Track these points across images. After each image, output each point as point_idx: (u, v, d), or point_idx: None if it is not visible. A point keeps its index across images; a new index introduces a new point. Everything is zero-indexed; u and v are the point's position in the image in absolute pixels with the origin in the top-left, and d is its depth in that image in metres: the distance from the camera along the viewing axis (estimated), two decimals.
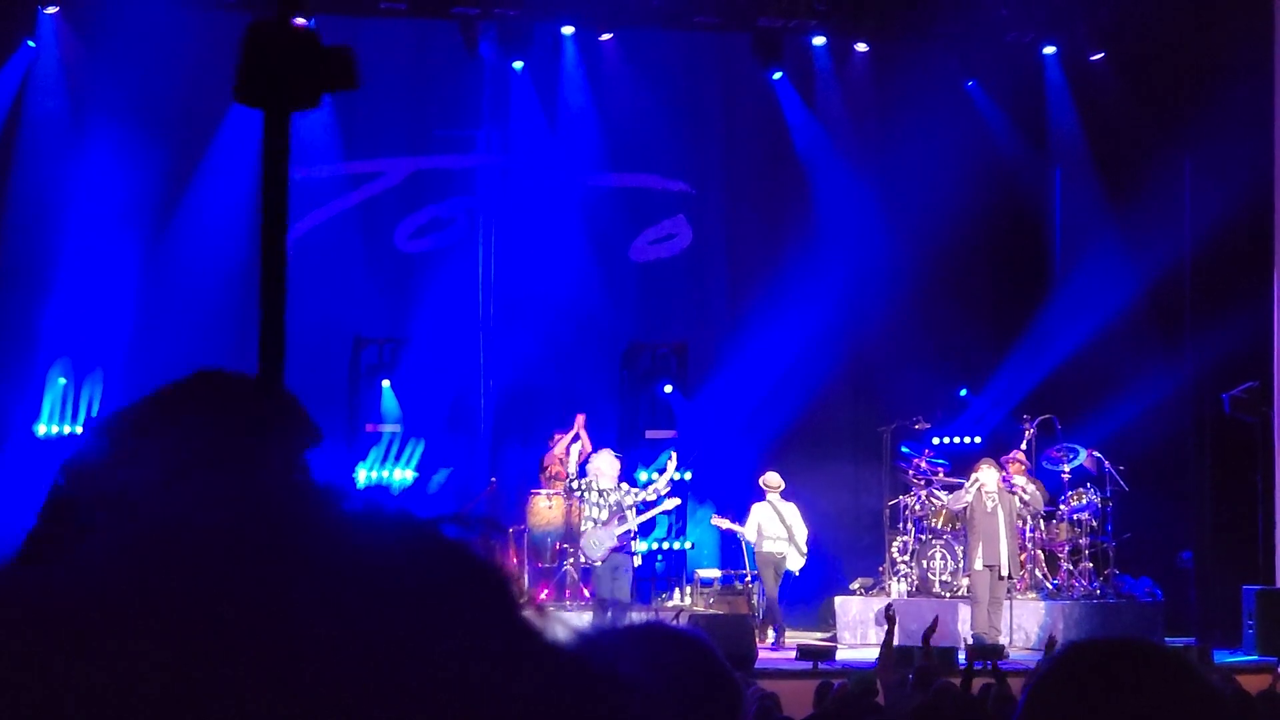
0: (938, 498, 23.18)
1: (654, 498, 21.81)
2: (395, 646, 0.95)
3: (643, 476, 24.87)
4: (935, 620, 16.26)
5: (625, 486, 21.62)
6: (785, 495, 23.01)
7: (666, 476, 22.09)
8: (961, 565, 22.24)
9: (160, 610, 0.92)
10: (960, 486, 22.48)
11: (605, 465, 21.60)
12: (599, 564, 21.21)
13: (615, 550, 20.82)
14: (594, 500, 21.40)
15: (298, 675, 0.93)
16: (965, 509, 21.69)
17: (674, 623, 20.27)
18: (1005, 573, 21.17)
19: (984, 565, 21.18)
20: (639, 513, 21.48)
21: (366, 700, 0.93)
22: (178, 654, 0.91)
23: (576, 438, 23.74)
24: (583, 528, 21.13)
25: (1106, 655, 2.67)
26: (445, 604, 0.99)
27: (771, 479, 22.96)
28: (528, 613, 1.03)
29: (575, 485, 21.70)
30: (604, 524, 20.97)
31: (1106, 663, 2.64)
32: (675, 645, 2.85)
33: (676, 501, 22.74)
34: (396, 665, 0.95)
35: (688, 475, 24.90)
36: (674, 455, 22.87)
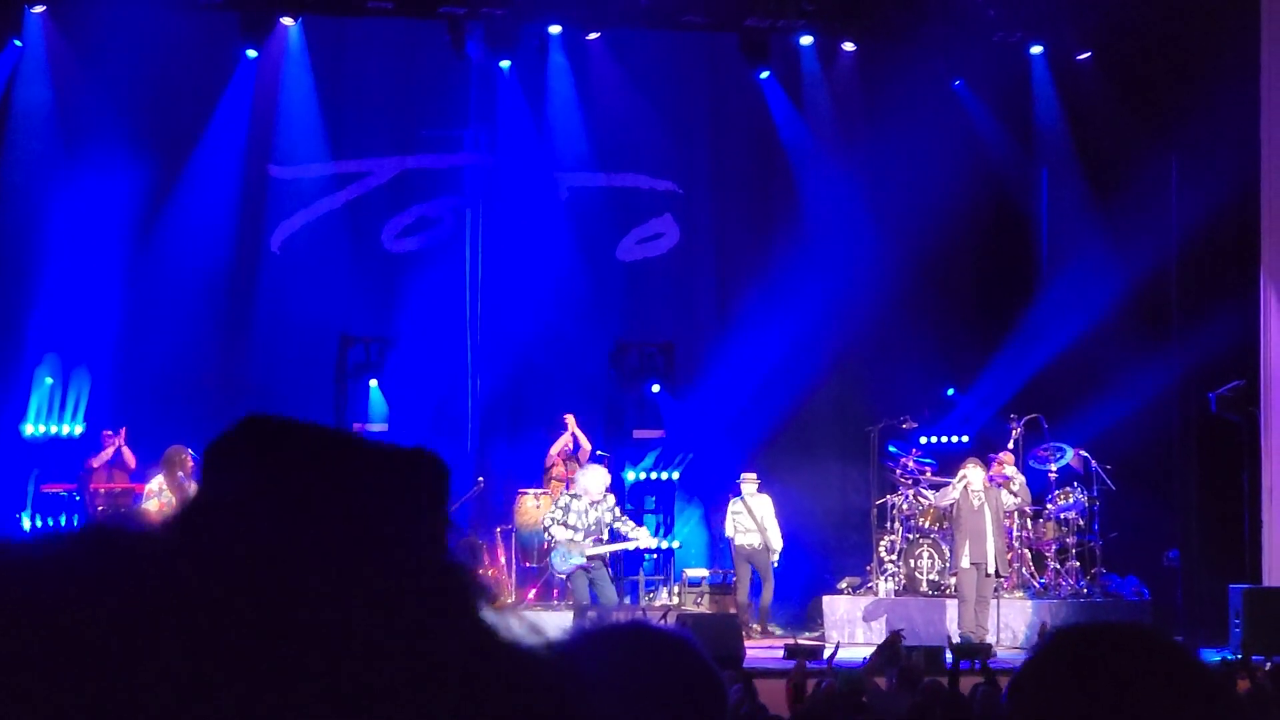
0: (925, 497, 23.20)
1: (628, 537, 21.54)
2: (349, 642, 0.95)
3: (630, 475, 24.89)
4: (898, 634, 16.22)
5: (611, 500, 21.41)
6: (772, 495, 23.11)
7: (646, 537, 21.86)
8: (949, 564, 22.25)
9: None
10: (947, 485, 22.52)
11: (594, 481, 21.40)
12: (562, 576, 21.03)
13: (581, 568, 20.62)
14: (578, 512, 21.24)
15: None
16: (952, 507, 21.70)
17: (660, 622, 20.28)
18: (992, 570, 21.18)
19: (970, 563, 21.18)
20: (611, 539, 21.25)
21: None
22: None
23: (575, 440, 23.72)
24: (557, 539, 20.88)
25: (1093, 640, 2.67)
26: (403, 607, 0.99)
27: (746, 476, 23.19)
28: (490, 615, 1.03)
29: (562, 500, 21.46)
30: (576, 542, 20.84)
31: (1093, 647, 2.64)
32: (656, 644, 2.84)
33: (652, 542, 22.56)
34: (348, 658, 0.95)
35: (675, 475, 24.93)
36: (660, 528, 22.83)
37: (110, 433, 22.26)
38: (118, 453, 21.99)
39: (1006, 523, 21.98)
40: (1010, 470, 22.25)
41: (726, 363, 25.27)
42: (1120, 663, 2.59)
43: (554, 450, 23.80)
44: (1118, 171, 24.79)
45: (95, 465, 22.11)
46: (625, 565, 24.78)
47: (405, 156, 25.51)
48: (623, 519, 21.25)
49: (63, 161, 23.70)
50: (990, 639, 20.71)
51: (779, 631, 23.03)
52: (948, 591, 22.27)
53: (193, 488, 19.64)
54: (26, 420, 23.05)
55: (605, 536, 20.92)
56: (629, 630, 2.84)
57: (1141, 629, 2.73)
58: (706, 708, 2.82)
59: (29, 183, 23.66)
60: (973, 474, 21.46)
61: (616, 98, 25.45)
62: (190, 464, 20.04)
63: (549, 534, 20.91)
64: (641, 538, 21.23)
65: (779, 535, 23.14)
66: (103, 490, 21.55)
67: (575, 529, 20.80)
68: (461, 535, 22.24)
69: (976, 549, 21.17)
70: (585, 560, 20.48)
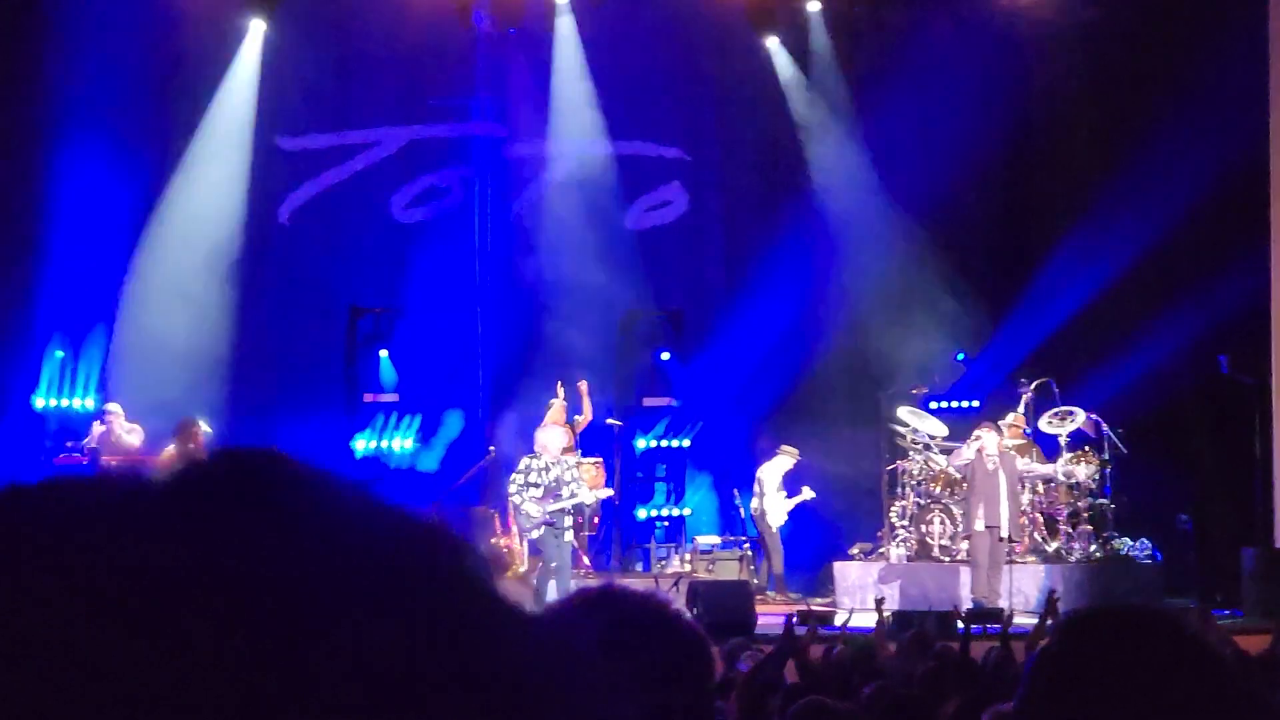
0: (936, 462, 23.20)
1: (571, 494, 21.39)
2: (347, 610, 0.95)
3: (641, 444, 24.92)
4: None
5: (570, 460, 21.31)
6: (769, 457, 23.32)
7: (585, 493, 21.66)
8: (960, 529, 22.26)
9: None
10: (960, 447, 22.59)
11: (552, 439, 21.35)
12: (535, 534, 20.85)
13: (545, 524, 20.46)
14: (538, 470, 21.23)
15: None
16: (967, 469, 21.67)
17: (671, 589, 20.27)
18: (1005, 534, 21.17)
19: (984, 526, 21.16)
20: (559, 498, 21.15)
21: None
22: None
23: (576, 407, 23.70)
24: (517, 498, 20.81)
25: (1108, 625, 2.67)
26: (403, 582, 0.99)
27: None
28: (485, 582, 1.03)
29: (522, 463, 21.41)
30: (539, 500, 20.80)
31: (1108, 633, 2.64)
32: (633, 607, 2.82)
33: (592, 497, 22.11)
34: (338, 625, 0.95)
35: (686, 442, 24.96)
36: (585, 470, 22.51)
37: (109, 410, 22.14)
38: (105, 435, 21.85)
39: (1019, 487, 21.93)
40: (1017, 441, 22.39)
41: (736, 330, 25.27)
42: (1136, 653, 2.60)
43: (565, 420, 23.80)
44: (1127, 132, 24.71)
45: (87, 448, 21.99)
46: (637, 533, 24.84)
47: (413, 126, 25.50)
48: (577, 480, 21.11)
49: (71, 134, 23.69)
50: (1002, 603, 20.70)
51: (792, 597, 23.04)
52: (959, 557, 22.28)
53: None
54: (38, 393, 23.08)
55: (565, 495, 20.91)
56: (601, 595, 2.82)
57: (1151, 612, 2.73)
58: (688, 667, 2.81)
59: (36, 156, 23.64)
60: (988, 438, 21.43)
61: (624, 65, 25.41)
62: (201, 436, 20.04)
63: (514, 498, 20.84)
64: (581, 493, 21.06)
65: (776, 504, 23.14)
66: (114, 464, 21.55)
67: (536, 486, 20.84)
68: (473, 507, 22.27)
69: (990, 512, 21.15)
70: (547, 517, 20.33)
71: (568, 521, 20.33)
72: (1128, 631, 2.63)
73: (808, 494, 23.36)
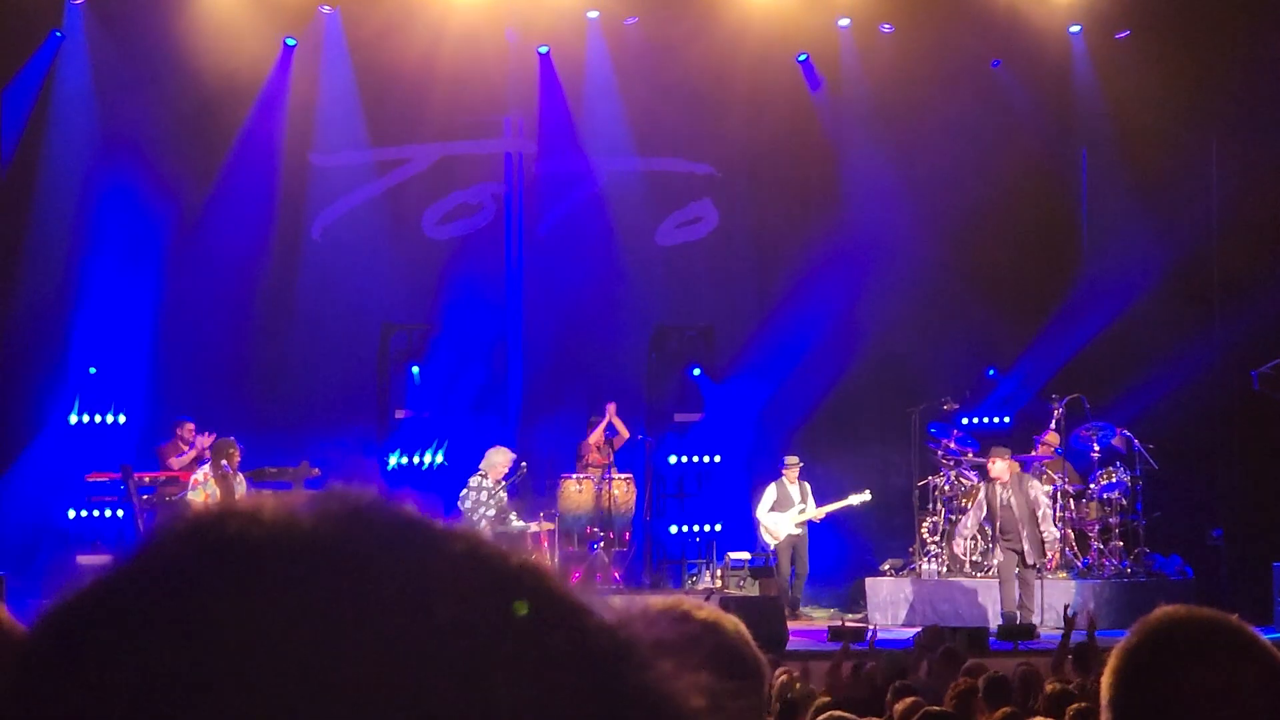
0: (967, 478, 23.18)
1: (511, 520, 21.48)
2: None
3: (671, 459, 24.95)
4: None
5: (503, 483, 21.57)
6: (813, 477, 23.14)
7: (517, 524, 21.64)
8: (991, 545, 22.29)
9: None
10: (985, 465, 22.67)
11: (499, 460, 21.51)
12: None
13: None
14: (488, 490, 21.36)
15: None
16: (988, 506, 21.49)
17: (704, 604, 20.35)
18: (1031, 562, 21.02)
19: (1008, 549, 21.11)
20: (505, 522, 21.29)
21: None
22: None
23: (610, 427, 23.80)
24: (474, 515, 20.99)
25: (1196, 631, 2.72)
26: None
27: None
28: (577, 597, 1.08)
29: (474, 480, 21.55)
30: (491, 520, 20.94)
31: (1197, 639, 2.69)
32: (696, 623, 2.86)
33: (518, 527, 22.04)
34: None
35: (717, 458, 24.98)
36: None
37: (192, 427, 22.18)
38: (201, 455, 21.93)
39: (1046, 509, 21.77)
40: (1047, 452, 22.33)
41: (766, 345, 25.30)
42: (1218, 658, 2.64)
43: (590, 440, 23.86)
44: (1157, 150, 24.71)
45: (175, 466, 22.07)
46: (668, 548, 24.85)
47: (445, 143, 25.55)
48: (512, 509, 21.45)
49: (103, 151, 23.81)
50: (1035, 619, 20.67)
51: (818, 614, 23.03)
52: (990, 573, 22.27)
53: (239, 480, 19.79)
54: (72, 411, 23.17)
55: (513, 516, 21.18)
56: (666, 611, 2.86)
57: (1233, 624, 2.78)
58: (748, 684, 2.85)
59: (70, 172, 23.75)
60: (997, 469, 21.23)
61: (654, 82, 25.44)
62: (237, 457, 20.10)
63: (469, 514, 20.99)
64: (515, 523, 21.31)
65: (770, 522, 22.91)
66: (147, 479, 21.63)
67: (489, 505, 21.04)
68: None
69: (1011, 542, 21.06)
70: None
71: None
72: (1204, 635, 2.68)
73: (854, 499, 23.03)
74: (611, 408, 23.88)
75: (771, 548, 22.88)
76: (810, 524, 22.95)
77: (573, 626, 1.04)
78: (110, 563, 1.04)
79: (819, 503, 22.90)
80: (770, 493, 22.91)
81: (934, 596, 22.25)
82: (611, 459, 23.61)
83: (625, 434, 23.86)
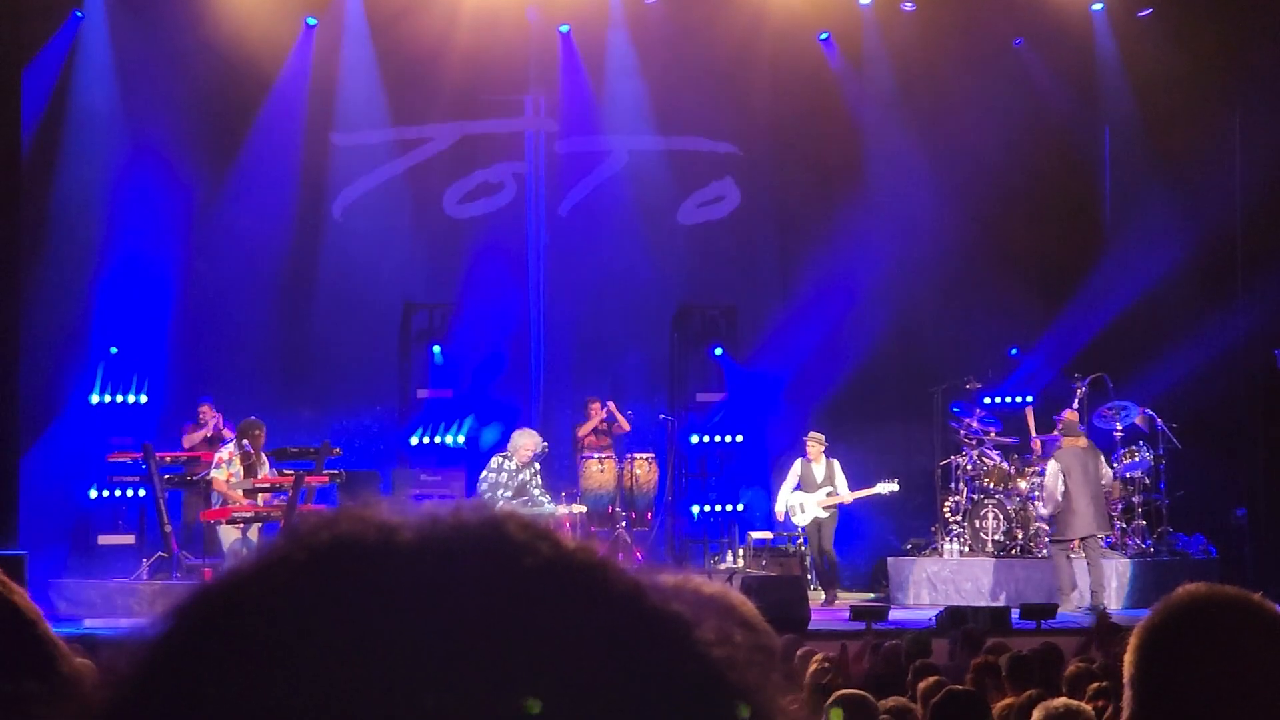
0: (989, 457, 23.16)
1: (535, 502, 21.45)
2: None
3: (694, 439, 24.93)
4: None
5: (537, 467, 21.52)
6: (837, 456, 23.00)
7: (548, 505, 21.58)
8: (1013, 524, 22.33)
9: None
10: (1010, 446, 22.72)
11: (526, 442, 21.47)
12: None
13: None
14: (509, 471, 21.36)
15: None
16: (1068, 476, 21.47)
17: (726, 584, 20.32)
18: (1094, 533, 21.12)
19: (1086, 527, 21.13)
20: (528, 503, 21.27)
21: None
22: None
23: (610, 416, 23.76)
24: (489, 495, 21.05)
25: (1218, 610, 2.70)
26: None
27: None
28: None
29: (494, 461, 21.55)
30: (509, 500, 20.98)
31: (1219, 618, 2.67)
32: (705, 600, 2.85)
33: (550, 510, 21.95)
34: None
35: (739, 438, 24.96)
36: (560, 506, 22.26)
37: (209, 409, 22.27)
38: (216, 430, 22.03)
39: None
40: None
41: (789, 325, 25.26)
42: (1235, 636, 2.62)
43: (581, 432, 23.80)
44: (1181, 129, 24.62)
45: (185, 445, 22.18)
46: (690, 529, 24.84)
47: (466, 122, 25.53)
48: (542, 489, 21.39)
49: (124, 132, 23.81)
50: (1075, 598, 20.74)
51: (841, 594, 23.01)
52: (1013, 552, 22.26)
53: (262, 461, 19.83)
54: (93, 390, 23.20)
55: (536, 494, 21.17)
56: (679, 588, 2.84)
57: (1250, 598, 2.76)
58: (760, 660, 2.83)
59: (92, 153, 23.75)
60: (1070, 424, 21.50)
61: (676, 60, 25.40)
62: (262, 438, 20.15)
63: (485, 495, 21.00)
64: (545, 504, 21.30)
65: (801, 501, 22.76)
66: (169, 459, 21.66)
67: (507, 487, 21.05)
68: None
69: (1094, 516, 21.21)
70: None
71: None
72: (1226, 614, 2.66)
73: (882, 488, 22.79)
74: (611, 405, 23.82)
75: (800, 527, 22.67)
76: (841, 507, 22.71)
77: (637, 608, 1.13)
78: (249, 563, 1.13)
79: (851, 486, 22.73)
80: (795, 471, 22.69)
81: (956, 576, 22.24)
82: (609, 442, 23.61)
83: (625, 426, 23.79)
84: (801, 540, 22.89)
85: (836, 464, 22.64)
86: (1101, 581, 20.96)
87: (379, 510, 1.13)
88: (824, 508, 22.41)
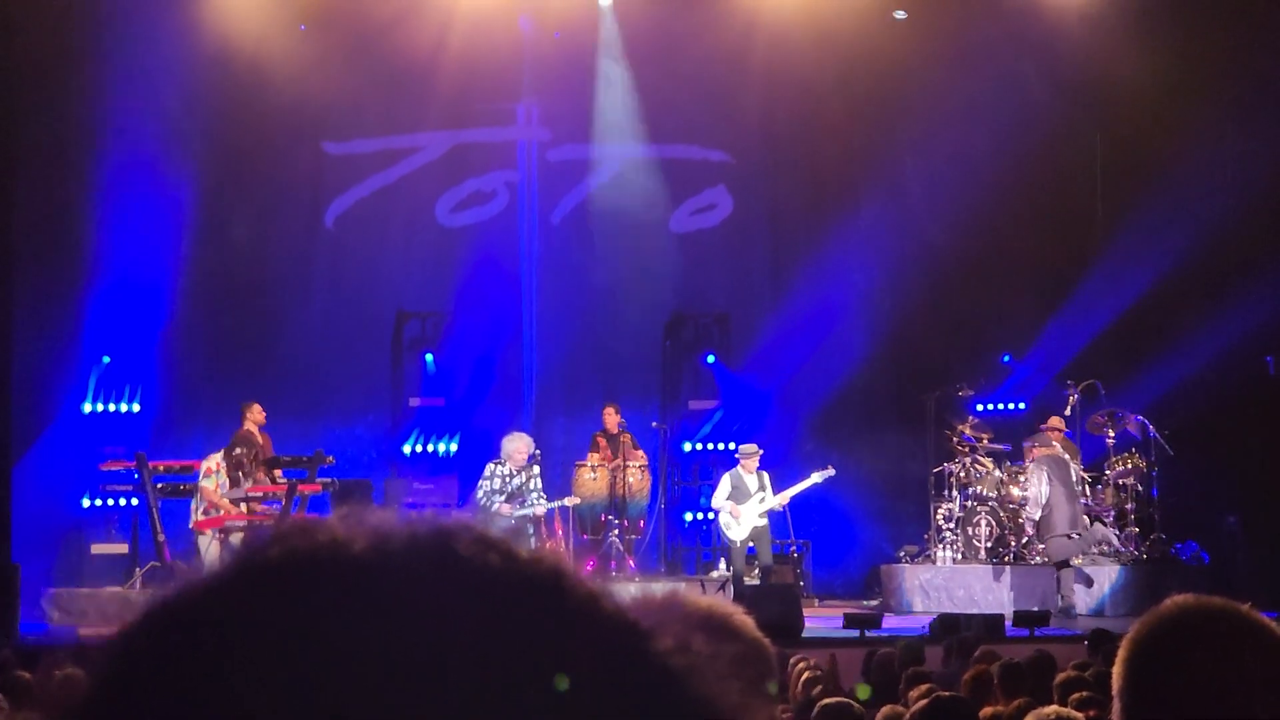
0: (982, 464, 23.16)
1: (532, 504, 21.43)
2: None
3: (686, 447, 24.93)
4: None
5: (536, 469, 21.49)
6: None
7: (542, 507, 21.54)
8: (1005, 531, 22.34)
9: None
10: (1003, 454, 22.71)
11: (519, 446, 21.45)
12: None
13: (513, 530, 20.56)
14: (502, 477, 21.36)
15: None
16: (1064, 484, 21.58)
17: (718, 593, 20.27)
18: (1075, 531, 21.21)
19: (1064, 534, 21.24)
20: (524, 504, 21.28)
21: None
22: None
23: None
24: (486, 502, 21.07)
25: (1205, 620, 2.70)
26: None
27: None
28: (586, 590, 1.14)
29: (488, 469, 21.54)
30: (506, 502, 21.02)
31: (1206, 628, 2.68)
32: (698, 612, 2.85)
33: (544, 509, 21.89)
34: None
35: (733, 445, 24.94)
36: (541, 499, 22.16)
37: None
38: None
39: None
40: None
41: (782, 332, 25.27)
42: (1222, 646, 2.63)
43: (608, 426, 23.85)
44: (1172, 134, 24.63)
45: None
46: (683, 536, 24.83)
47: (458, 130, 25.54)
48: (539, 491, 21.38)
49: (115, 139, 23.78)
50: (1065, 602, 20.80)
51: (833, 602, 23.00)
52: (1006, 560, 22.27)
53: (257, 468, 19.84)
54: (85, 399, 23.19)
55: (529, 503, 21.18)
56: (669, 600, 2.85)
57: (1234, 607, 2.77)
58: (754, 670, 2.83)
59: (81, 160, 23.73)
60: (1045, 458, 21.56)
61: (668, 69, 25.40)
62: (261, 416, 20.47)
63: (481, 501, 21.08)
64: (539, 506, 21.31)
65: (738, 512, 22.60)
66: (161, 468, 21.62)
67: (502, 492, 21.07)
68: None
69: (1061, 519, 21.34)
70: (514, 523, 20.61)
71: (530, 529, 20.75)
72: (1213, 625, 2.66)
73: (817, 477, 22.45)
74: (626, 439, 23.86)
75: (735, 542, 22.07)
76: (772, 514, 22.40)
77: (591, 618, 1.13)
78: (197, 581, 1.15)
79: (780, 490, 22.25)
80: (725, 483, 22.31)
81: (949, 583, 22.24)
82: (610, 455, 23.62)
83: (631, 452, 23.76)
84: (726, 561, 22.67)
85: (766, 475, 22.39)
86: (1072, 584, 21.13)
87: (332, 524, 1.14)
88: (760, 516, 22.13)
